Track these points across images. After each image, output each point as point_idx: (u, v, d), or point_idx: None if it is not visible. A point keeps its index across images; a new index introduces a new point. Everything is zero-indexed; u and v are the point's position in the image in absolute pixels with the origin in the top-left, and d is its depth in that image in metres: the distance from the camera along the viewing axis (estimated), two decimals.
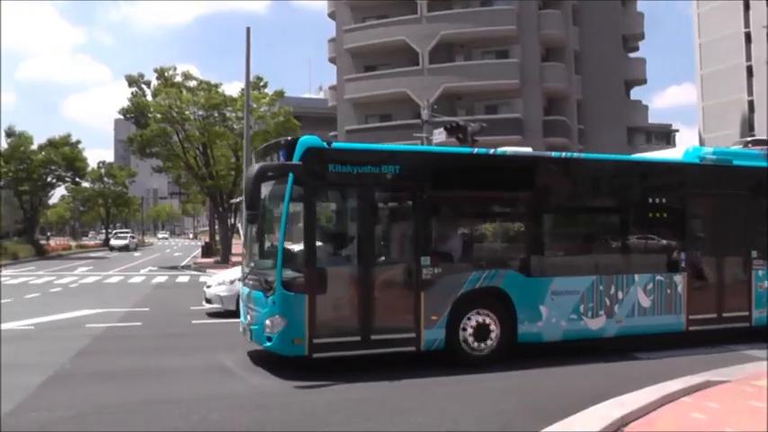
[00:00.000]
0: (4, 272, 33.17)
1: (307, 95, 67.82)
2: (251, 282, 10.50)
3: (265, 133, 39.47)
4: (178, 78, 45.37)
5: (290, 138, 9.93)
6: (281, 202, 9.68)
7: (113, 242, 70.48)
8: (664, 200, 12.17)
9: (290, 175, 9.45)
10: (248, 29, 27.27)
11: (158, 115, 42.79)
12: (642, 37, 58.59)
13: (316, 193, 9.70)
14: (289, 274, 9.51)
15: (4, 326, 14.33)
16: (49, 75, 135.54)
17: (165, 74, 45.04)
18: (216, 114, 43.15)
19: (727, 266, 12.30)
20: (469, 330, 10.22)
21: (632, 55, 57.44)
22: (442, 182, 10.43)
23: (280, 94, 45.38)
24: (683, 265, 11.81)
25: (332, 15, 56.36)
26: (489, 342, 10.32)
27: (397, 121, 47.31)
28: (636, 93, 67.52)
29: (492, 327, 10.33)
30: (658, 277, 11.55)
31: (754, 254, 12.39)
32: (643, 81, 57.08)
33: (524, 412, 7.74)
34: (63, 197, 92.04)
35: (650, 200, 12.07)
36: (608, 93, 50.72)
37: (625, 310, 11.29)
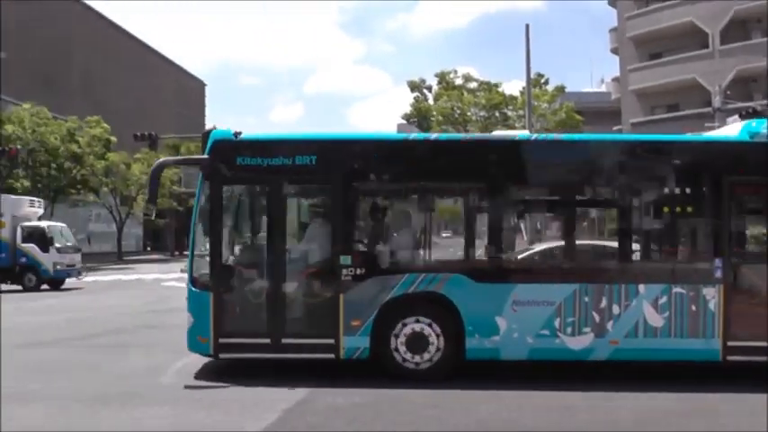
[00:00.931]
0: None
1: (588, 89, 65.21)
2: None
3: (546, 131, 38.85)
4: (458, 81, 46.70)
5: (205, 130, 9.56)
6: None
7: None
8: (688, 189, 9.63)
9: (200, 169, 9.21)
10: (527, 26, 28.07)
11: (440, 118, 44.38)
12: None
13: (222, 187, 9.26)
14: (197, 271, 9.23)
15: None
16: (333, 86, 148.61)
17: (446, 77, 46.54)
18: (497, 114, 43.73)
19: None
20: (401, 340, 9.01)
21: None
22: (366, 172, 9.34)
23: (561, 89, 44.77)
24: (717, 274, 9.18)
25: (612, 3, 53.84)
26: (427, 355, 9.01)
27: (686, 110, 43.67)
28: None
29: (431, 338, 9.00)
30: (677, 289, 9.11)
31: None
32: None
33: None
34: None
35: (668, 189, 9.58)
36: None
37: (623, 329, 9.07)
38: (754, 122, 9.77)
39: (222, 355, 9.16)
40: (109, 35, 61.11)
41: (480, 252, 9.49)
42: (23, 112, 39.44)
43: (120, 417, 7.39)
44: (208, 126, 9.54)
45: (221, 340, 9.03)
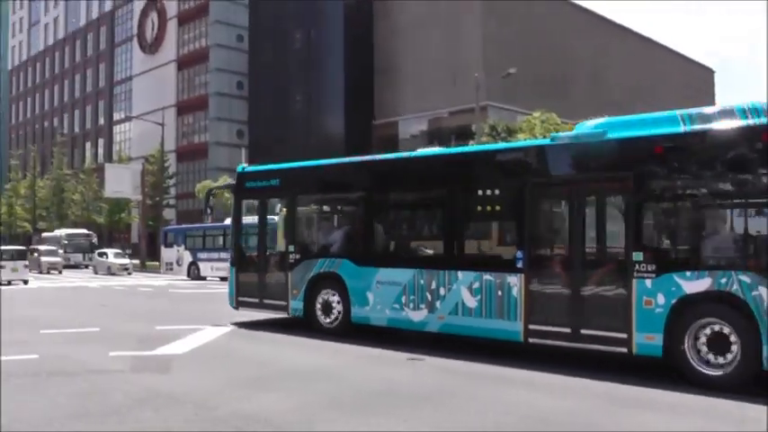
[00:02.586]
0: None
1: None
2: None
3: None
4: None
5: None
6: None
7: None
8: (498, 191, 11.24)
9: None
10: None
11: None
12: None
13: (241, 201, 14.92)
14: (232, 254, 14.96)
15: None
16: None
17: None
18: None
19: (591, 272, 9.94)
20: (318, 305, 13.00)
21: None
22: (302, 190, 13.99)
23: None
24: (519, 264, 10.46)
25: None
26: (332, 316, 12.82)
27: None
28: None
29: (334, 304, 12.78)
30: (487, 276, 10.79)
31: (638, 256, 9.26)
32: None
33: None
34: None
35: (481, 191, 11.48)
36: None
37: (447, 307, 11.20)
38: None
39: (241, 308, 14.57)
40: (609, 32, 64.37)
41: (358, 243, 12.84)
42: (534, 119, 43.59)
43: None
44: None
45: (240, 298, 14.48)
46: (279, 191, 14.30)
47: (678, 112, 9.48)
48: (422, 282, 11.53)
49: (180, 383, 8.51)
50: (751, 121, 8.78)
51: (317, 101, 56.35)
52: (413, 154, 13.10)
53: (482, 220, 11.78)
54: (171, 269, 37.91)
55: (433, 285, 11.38)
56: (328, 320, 12.94)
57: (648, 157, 9.43)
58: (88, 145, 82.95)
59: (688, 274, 8.83)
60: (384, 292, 12.03)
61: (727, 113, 9.16)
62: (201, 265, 35.30)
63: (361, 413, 7.17)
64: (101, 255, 43.99)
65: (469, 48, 47.80)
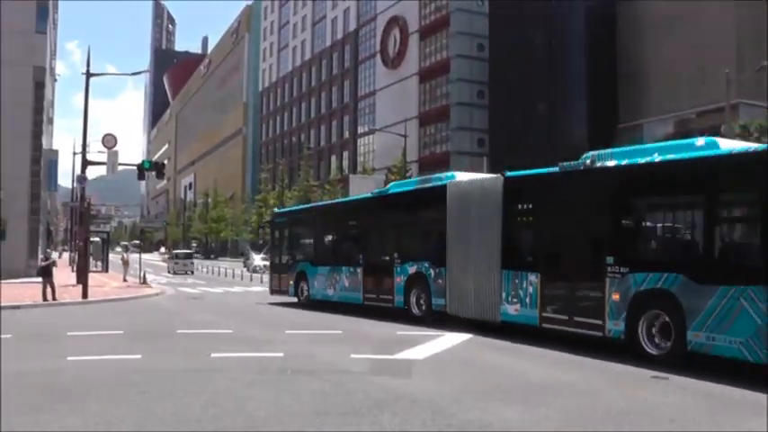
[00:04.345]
0: None
1: None
2: None
3: None
4: None
5: None
6: None
7: None
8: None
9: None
10: None
11: None
12: None
13: (274, 230, 25.45)
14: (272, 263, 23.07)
15: None
16: None
17: None
18: None
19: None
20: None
21: None
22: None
23: None
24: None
25: None
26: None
27: None
28: None
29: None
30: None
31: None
32: None
33: None
34: None
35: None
36: None
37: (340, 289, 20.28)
38: None
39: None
40: None
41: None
42: None
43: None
44: None
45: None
46: (285, 225, 25.01)
47: None
48: (336, 276, 20.36)
49: (418, 388, 8.49)
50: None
51: (559, 107, 55.22)
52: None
53: None
54: None
55: (335, 277, 20.40)
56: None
57: None
58: (333, 158, 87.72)
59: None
60: (320, 281, 21.25)
61: None
62: None
63: None
64: None
65: (719, 42, 44.27)
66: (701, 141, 11.51)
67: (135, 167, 28.00)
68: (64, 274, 35.48)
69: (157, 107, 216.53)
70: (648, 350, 10.79)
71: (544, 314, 12.77)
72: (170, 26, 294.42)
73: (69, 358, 10.61)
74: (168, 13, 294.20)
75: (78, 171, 31.61)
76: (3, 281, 29.77)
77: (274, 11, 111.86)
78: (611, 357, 10.85)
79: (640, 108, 51.74)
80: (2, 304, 19.59)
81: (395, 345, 12.07)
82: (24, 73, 38.65)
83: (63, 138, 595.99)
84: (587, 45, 54.22)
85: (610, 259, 11.45)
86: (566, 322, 12.32)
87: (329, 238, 22.04)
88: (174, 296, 27.73)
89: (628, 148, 12.96)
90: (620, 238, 11.97)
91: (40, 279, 22.81)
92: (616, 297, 11.28)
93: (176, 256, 50.29)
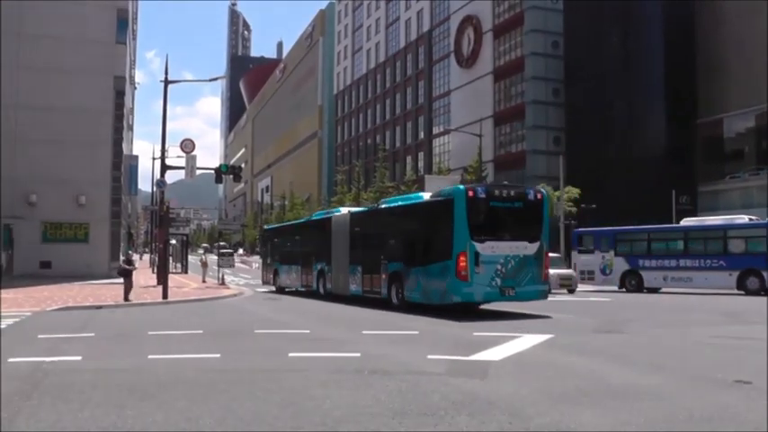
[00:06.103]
0: None
1: None
2: None
3: None
4: None
5: None
6: None
7: None
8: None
9: None
10: None
11: None
12: None
13: (265, 240, 36.03)
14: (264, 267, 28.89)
15: None
16: None
17: None
18: None
19: None
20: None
21: None
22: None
23: None
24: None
25: None
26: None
27: None
28: None
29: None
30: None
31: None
32: None
33: None
34: None
35: None
36: None
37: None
38: None
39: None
40: None
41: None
42: None
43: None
44: None
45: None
46: (273, 236, 34.43)
47: None
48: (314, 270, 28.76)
49: (495, 390, 8.37)
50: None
51: (636, 103, 53.96)
52: None
53: None
54: (590, 278, 34.52)
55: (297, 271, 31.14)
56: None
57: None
58: (408, 158, 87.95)
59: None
60: (290, 275, 31.08)
61: None
62: (645, 274, 32.41)
63: None
64: None
65: None
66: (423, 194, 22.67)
67: (213, 171, 28.66)
68: (145, 275, 36.49)
69: (234, 112, 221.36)
70: (394, 302, 21.14)
71: (365, 289, 23.21)
72: (245, 32, 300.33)
73: (150, 357, 10.87)
74: (244, 19, 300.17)
75: (158, 175, 32.53)
76: (86, 282, 30.79)
77: (348, 14, 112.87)
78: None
79: (721, 103, 50.19)
80: (85, 304, 20.28)
81: (472, 346, 11.92)
82: (105, 82, 40.23)
83: (143, 143, 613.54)
84: (665, 39, 52.87)
85: (383, 257, 22.03)
86: (367, 292, 23.02)
87: (287, 245, 32.73)
88: (252, 297, 28.29)
89: (399, 197, 27.88)
90: (387, 246, 22.34)
91: (121, 280, 23.55)
92: (384, 277, 21.74)
93: (222, 253, 52.90)
